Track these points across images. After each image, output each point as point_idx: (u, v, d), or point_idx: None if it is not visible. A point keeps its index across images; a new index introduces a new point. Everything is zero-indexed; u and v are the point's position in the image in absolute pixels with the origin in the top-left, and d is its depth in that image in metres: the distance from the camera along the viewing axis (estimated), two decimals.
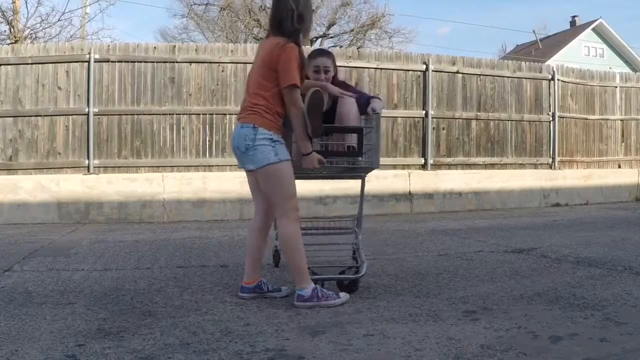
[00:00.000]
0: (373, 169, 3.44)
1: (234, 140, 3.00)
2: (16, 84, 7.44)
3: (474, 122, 9.10)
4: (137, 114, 7.70)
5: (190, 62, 7.88)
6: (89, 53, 7.57)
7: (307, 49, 9.23)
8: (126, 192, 7.39)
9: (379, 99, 3.53)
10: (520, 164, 9.42)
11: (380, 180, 7.58)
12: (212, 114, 7.92)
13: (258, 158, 2.90)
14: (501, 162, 9.26)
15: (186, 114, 7.84)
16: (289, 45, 2.93)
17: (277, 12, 2.99)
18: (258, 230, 3.16)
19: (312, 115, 2.92)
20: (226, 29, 25.32)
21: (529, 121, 9.50)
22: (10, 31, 14.98)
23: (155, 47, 7.96)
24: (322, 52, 3.65)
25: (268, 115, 2.92)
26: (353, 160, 3.33)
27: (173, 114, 7.80)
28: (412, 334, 2.39)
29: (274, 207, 3.00)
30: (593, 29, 30.83)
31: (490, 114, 9.21)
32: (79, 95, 7.59)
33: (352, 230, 3.76)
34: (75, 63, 7.58)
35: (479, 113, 9.13)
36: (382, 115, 3.45)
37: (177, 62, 7.83)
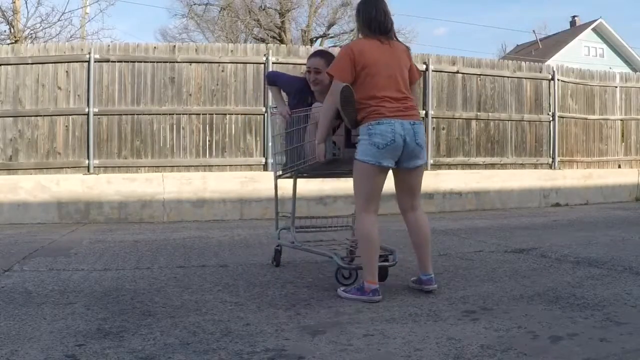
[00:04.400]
0: None
1: (416, 135, 3.05)
2: (16, 84, 7.44)
3: (474, 122, 9.10)
4: (137, 114, 7.70)
5: (190, 62, 7.89)
6: (89, 53, 7.58)
7: (307, 49, 9.22)
8: (126, 192, 7.40)
9: None
10: (520, 164, 9.42)
11: None
12: (212, 114, 7.92)
13: (425, 153, 3.19)
14: (501, 162, 9.26)
15: (186, 114, 7.85)
16: None
17: (392, 20, 3.19)
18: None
19: (346, 108, 3.05)
20: (226, 29, 25.32)
21: (529, 121, 9.50)
22: (10, 31, 14.98)
23: (155, 47, 7.96)
24: (315, 54, 3.77)
25: None
26: None
27: (173, 114, 7.81)
28: (412, 334, 2.39)
29: (419, 197, 3.24)
30: (593, 29, 30.83)
31: (490, 114, 9.21)
32: (79, 95, 7.59)
33: (350, 227, 3.95)
34: (75, 63, 7.59)
35: (479, 113, 9.13)
36: None
37: (177, 62, 7.83)
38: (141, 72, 7.74)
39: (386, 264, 3.39)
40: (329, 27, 26.12)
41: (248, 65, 8.09)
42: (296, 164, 3.61)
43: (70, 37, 16.41)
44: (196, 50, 8.06)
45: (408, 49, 3.27)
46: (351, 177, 3.59)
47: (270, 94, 7.96)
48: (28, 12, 15.77)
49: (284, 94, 3.92)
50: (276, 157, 4.05)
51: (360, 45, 3.11)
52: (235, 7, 24.83)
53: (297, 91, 3.79)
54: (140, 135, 7.72)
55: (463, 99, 9.05)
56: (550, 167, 9.65)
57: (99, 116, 7.59)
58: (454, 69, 9.00)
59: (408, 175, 3.16)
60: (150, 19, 59.69)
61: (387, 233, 5.87)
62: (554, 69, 9.80)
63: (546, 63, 14.58)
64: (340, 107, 3.05)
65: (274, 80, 4.00)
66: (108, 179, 7.43)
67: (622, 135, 10.60)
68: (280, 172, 3.91)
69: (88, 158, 7.54)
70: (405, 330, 2.45)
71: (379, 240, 3.09)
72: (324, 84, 3.64)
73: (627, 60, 31.02)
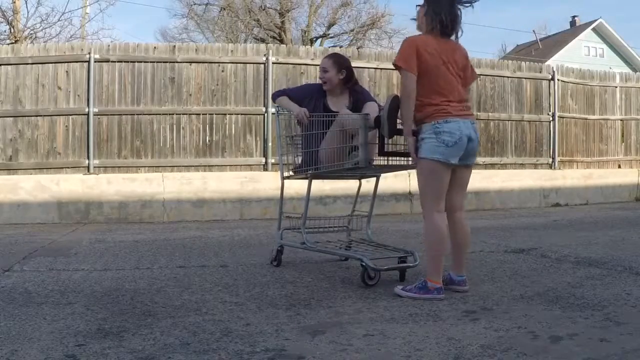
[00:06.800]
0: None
1: (473, 134, 3.08)
2: (16, 84, 7.44)
3: None
4: (137, 114, 7.70)
5: (190, 62, 7.89)
6: (89, 53, 7.58)
7: (307, 49, 9.17)
8: (126, 192, 7.40)
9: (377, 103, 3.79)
10: (520, 164, 9.42)
11: (380, 180, 7.57)
12: (212, 114, 7.92)
13: None
14: (501, 162, 9.26)
15: (186, 114, 7.85)
16: None
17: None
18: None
19: (391, 118, 3.12)
20: (226, 29, 25.32)
21: (529, 121, 9.50)
22: (10, 31, 14.98)
23: (155, 47, 7.96)
24: (328, 55, 3.97)
25: None
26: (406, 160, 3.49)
27: (173, 114, 7.81)
28: (412, 334, 2.39)
29: (465, 195, 3.27)
30: (593, 29, 30.84)
31: (490, 114, 9.21)
32: (79, 95, 7.59)
33: (346, 228, 4.14)
34: (75, 63, 7.59)
35: (478, 113, 9.11)
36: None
37: (177, 62, 7.83)
38: (141, 72, 7.74)
39: (404, 265, 3.50)
40: (329, 27, 26.12)
41: (248, 65, 8.09)
42: (330, 165, 3.61)
43: (70, 37, 16.43)
44: (196, 50, 8.06)
45: (466, 51, 3.24)
46: (365, 178, 3.65)
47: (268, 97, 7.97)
48: (28, 12, 15.75)
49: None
50: (282, 157, 3.96)
51: (425, 39, 3.06)
52: (235, 7, 24.83)
53: (311, 94, 3.88)
54: (140, 135, 7.72)
55: None
56: (550, 167, 9.65)
57: (99, 116, 7.59)
58: None
59: (463, 172, 3.18)
60: (150, 19, 59.79)
61: (387, 233, 5.87)
62: (554, 69, 9.80)
63: (546, 63, 14.59)
64: (387, 115, 3.09)
65: (282, 91, 4.02)
66: (108, 179, 7.43)
67: (622, 136, 10.60)
68: (291, 173, 3.89)
69: (88, 158, 7.54)
70: (405, 330, 2.45)
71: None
72: (332, 83, 3.81)
73: (627, 60, 31.03)
